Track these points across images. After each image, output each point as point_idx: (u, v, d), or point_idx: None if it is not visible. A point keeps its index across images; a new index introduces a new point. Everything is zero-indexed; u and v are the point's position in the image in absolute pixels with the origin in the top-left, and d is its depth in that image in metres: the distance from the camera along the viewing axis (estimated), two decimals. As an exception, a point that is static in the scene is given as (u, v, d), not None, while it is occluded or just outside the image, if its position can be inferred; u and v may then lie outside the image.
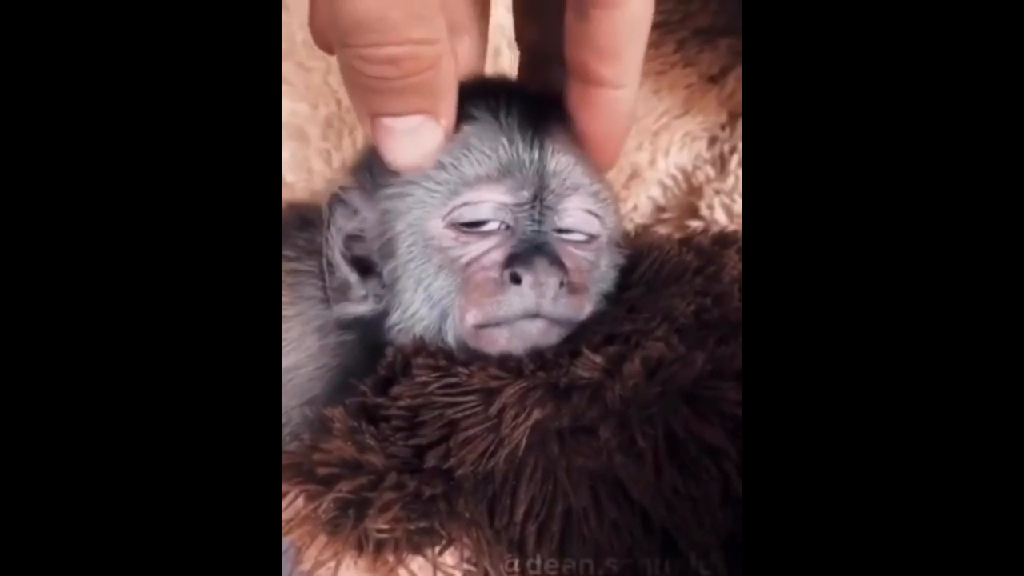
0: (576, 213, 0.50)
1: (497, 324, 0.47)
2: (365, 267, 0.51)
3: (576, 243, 0.50)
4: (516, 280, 0.46)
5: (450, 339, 0.48)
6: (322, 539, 0.40)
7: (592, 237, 0.51)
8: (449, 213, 0.48)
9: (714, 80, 0.76)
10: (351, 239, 0.51)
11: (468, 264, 0.48)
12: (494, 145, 0.48)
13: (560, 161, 0.49)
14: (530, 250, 0.47)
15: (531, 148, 0.48)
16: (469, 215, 0.48)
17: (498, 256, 0.47)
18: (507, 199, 0.48)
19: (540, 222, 0.48)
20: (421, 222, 0.48)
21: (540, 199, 0.48)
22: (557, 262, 0.46)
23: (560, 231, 0.50)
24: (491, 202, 0.48)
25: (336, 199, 0.50)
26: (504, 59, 0.72)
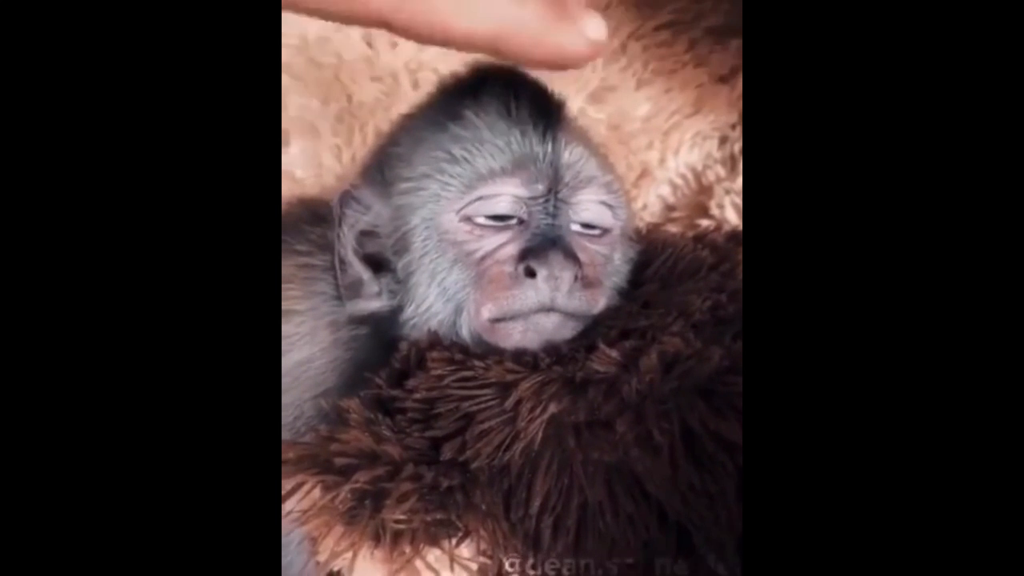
0: (590, 206, 0.50)
1: (512, 318, 0.47)
2: (378, 263, 0.51)
3: (590, 237, 0.50)
4: (531, 274, 0.46)
5: (464, 333, 0.48)
6: (339, 530, 0.40)
7: (606, 231, 0.51)
8: (464, 207, 0.48)
9: (725, 80, 0.76)
10: (364, 236, 0.51)
11: (483, 258, 0.48)
12: (507, 138, 0.48)
13: (573, 153, 0.49)
14: (544, 244, 0.47)
15: (544, 140, 0.48)
16: (484, 209, 0.48)
17: (513, 250, 0.47)
18: (522, 192, 0.48)
19: (554, 216, 0.48)
20: (436, 216, 0.48)
21: (554, 192, 0.48)
22: (571, 256, 0.46)
23: (574, 224, 0.50)
24: (506, 195, 0.48)
25: (347, 196, 0.50)
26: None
